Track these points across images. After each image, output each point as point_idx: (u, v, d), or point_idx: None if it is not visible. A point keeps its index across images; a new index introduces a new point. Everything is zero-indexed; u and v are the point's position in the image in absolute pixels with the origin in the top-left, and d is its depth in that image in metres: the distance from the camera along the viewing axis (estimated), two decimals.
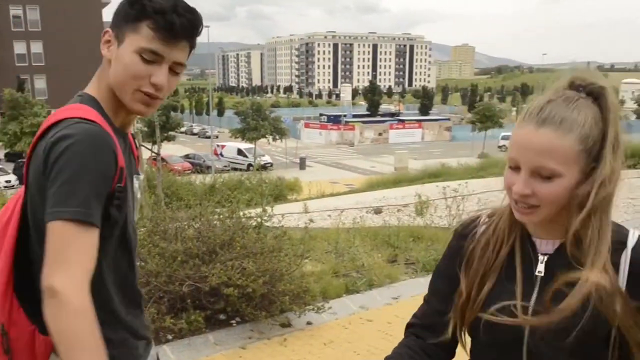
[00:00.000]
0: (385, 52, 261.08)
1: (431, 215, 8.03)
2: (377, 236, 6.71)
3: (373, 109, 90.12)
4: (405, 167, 41.27)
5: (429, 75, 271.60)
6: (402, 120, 76.61)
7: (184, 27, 1.37)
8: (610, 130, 1.15)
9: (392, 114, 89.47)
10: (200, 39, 1.49)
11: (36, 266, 1.28)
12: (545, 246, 1.25)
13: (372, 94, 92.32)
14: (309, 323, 4.71)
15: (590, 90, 1.18)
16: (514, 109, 71.15)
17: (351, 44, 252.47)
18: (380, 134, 69.70)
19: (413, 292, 5.42)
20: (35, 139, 1.35)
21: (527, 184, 1.14)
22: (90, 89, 1.46)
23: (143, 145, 12.54)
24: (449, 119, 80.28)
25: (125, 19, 1.38)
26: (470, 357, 1.36)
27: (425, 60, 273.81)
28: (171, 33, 1.36)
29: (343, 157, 54.32)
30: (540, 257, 1.24)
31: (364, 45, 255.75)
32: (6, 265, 1.32)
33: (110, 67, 1.41)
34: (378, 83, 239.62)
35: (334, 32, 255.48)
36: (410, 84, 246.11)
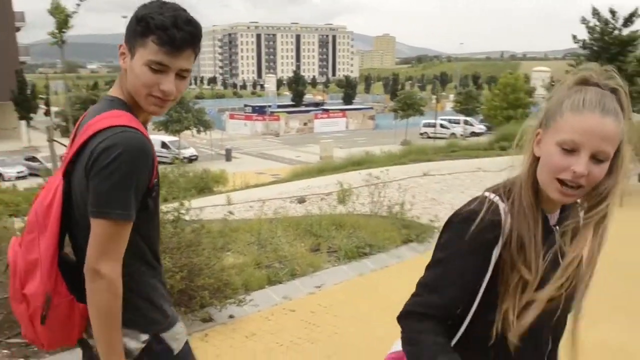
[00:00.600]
0: (309, 43, 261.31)
1: (353, 202, 8.11)
2: (300, 226, 6.69)
3: (297, 99, 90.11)
4: (330, 155, 41.49)
5: (352, 65, 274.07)
6: (327, 110, 77.12)
7: (184, 39, 1.57)
8: (626, 125, 1.31)
9: (317, 104, 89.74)
10: (118, 30, 1.45)
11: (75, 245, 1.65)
12: (552, 219, 1.43)
13: (297, 84, 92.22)
14: (231, 316, 4.63)
15: (612, 89, 1.32)
16: (434, 97, 72.98)
17: (274, 35, 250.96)
18: (305, 124, 69.82)
19: (336, 279, 5.44)
20: (83, 140, 1.56)
21: (587, 166, 1.26)
22: (116, 92, 1.68)
23: (56, 141, 11.92)
24: (372, 108, 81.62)
25: (134, 35, 1.59)
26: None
27: (348, 50, 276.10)
28: (173, 46, 1.56)
29: (269, 147, 54.07)
30: (554, 229, 1.42)
31: (287, 35, 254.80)
32: (53, 242, 1.57)
33: (124, 74, 1.66)
34: (302, 73, 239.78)
35: (257, 22, 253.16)
36: (334, 74, 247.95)
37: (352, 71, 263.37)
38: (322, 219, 6.88)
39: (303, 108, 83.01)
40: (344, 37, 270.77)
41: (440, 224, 6.63)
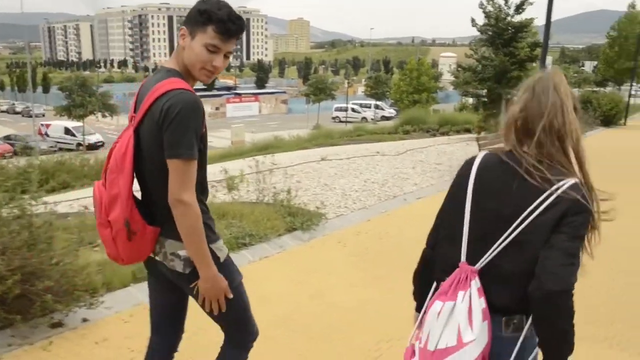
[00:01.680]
0: None
1: (246, 191, 7.79)
2: None
3: (210, 82, 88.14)
4: (242, 140, 40.84)
5: (266, 49, 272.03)
6: (239, 94, 76.08)
7: (235, 30, 2.18)
8: None
9: (229, 88, 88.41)
10: (16, 9, 1.09)
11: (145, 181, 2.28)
12: None
13: None
14: (85, 320, 4.20)
15: None
16: (347, 81, 73.57)
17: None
18: (217, 108, 68.56)
19: None
20: (152, 101, 2.10)
21: None
22: (172, 64, 2.23)
23: None
24: (285, 92, 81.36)
25: (196, 23, 2.15)
26: None
27: (262, 34, 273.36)
28: (227, 35, 2.16)
29: None
30: None
31: None
32: (128, 180, 2.13)
33: (184, 52, 2.19)
34: None
35: (168, 3, 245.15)
36: (248, 58, 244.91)
37: (266, 55, 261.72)
38: None
39: (215, 92, 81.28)
40: (258, 21, 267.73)
41: (327, 210, 6.34)
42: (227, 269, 2.33)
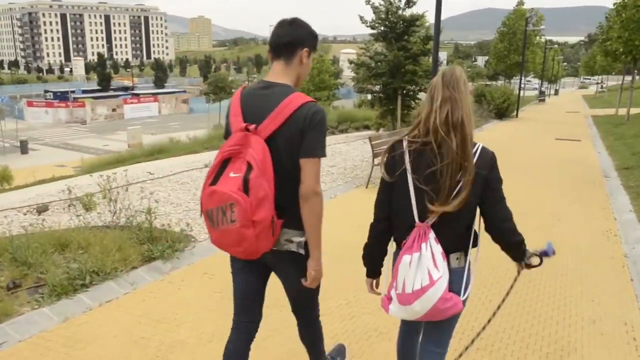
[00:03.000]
0: (120, 24, 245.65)
1: (89, 212, 6.65)
2: (5, 250, 5.08)
3: (105, 83, 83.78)
4: (139, 143, 38.77)
5: (167, 48, 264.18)
6: (137, 94, 72.79)
7: None
8: None
9: (126, 88, 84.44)
10: None
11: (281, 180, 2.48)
12: None
13: (102, 67, 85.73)
14: None
15: None
16: (248, 79, 72.23)
17: (81, 15, 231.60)
18: (114, 110, 65.30)
19: (29, 331, 4.01)
20: (292, 111, 2.45)
21: None
22: (286, 80, 2.60)
23: None
24: (185, 91, 78.72)
25: (313, 45, 2.68)
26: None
27: (162, 32, 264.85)
28: None
29: (74, 136, 49.45)
30: None
31: (95, 16, 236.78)
32: (272, 183, 2.42)
33: (301, 68, 2.65)
34: (115, 56, 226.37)
35: (60, 1, 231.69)
36: (148, 57, 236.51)
37: (167, 54, 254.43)
38: (37, 237, 5.31)
39: (111, 93, 77.42)
40: (157, 19, 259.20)
41: (198, 230, 5.32)
42: None
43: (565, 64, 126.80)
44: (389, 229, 2.62)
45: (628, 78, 41.14)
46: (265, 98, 2.51)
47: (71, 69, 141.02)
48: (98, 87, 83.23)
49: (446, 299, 2.38)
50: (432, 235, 2.38)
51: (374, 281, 2.78)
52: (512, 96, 29.81)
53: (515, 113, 30.47)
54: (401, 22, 15.76)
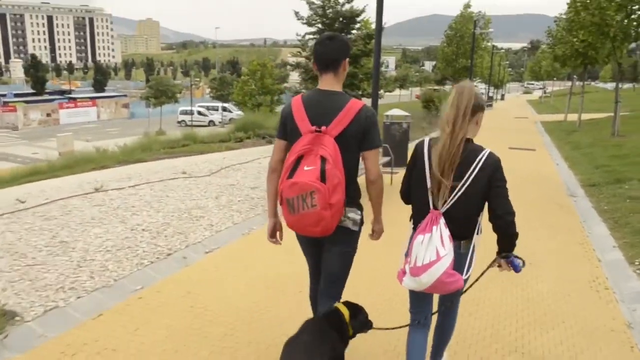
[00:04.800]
0: (63, 25, 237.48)
1: None
2: None
3: (39, 86, 79.21)
4: (71, 150, 35.87)
5: (113, 50, 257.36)
6: (74, 99, 69.03)
7: None
8: None
9: (63, 92, 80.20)
10: None
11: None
12: None
13: (36, 70, 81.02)
14: None
15: None
16: (191, 83, 69.43)
17: (22, 15, 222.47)
18: (48, 115, 61.52)
19: None
20: (355, 114, 3.00)
21: None
22: (338, 87, 3.13)
23: None
24: (125, 95, 75.13)
25: (349, 53, 3.24)
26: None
27: (108, 34, 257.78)
28: None
29: (2, 144, 45.97)
30: None
31: (37, 16, 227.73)
32: (342, 172, 2.93)
33: (344, 75, 3.19)
34: (59, 58, 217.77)
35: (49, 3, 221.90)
36: (94, 59, 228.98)
37: (113, 56, 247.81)
38: None
39: (46, 97, 73.13)
40: (103, 20, 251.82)
41: (32, 302, 3.36)
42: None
43: (510, 69, 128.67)
44: None
45: (578, 83, 40.86)
46: (327, 104, 3.06)
47: (9, 71, 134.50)
48: (32, 91, 78.61)
49: (450, 274, 2.80)
50: (442, 220, 2.85)
51: None
52: None
53: None
54: (340, 18, 14.08)
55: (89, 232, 6.13)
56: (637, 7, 18.34)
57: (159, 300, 4.68)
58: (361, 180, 3.16)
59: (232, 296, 4.82)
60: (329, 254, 3.26)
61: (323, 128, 2.97)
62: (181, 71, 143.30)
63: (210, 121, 53.68)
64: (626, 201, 8.72)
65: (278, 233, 3.46)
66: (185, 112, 55.67)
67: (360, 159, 3.13)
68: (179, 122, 54.52)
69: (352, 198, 3.11)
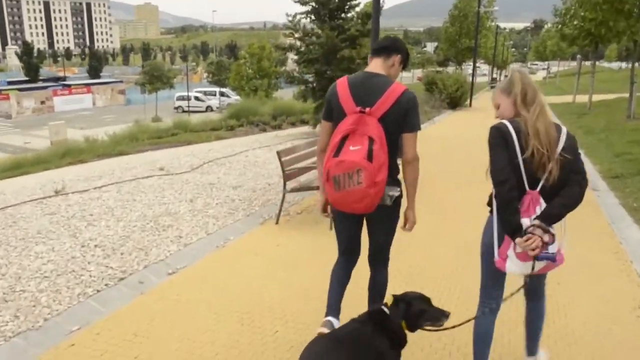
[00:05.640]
0: (60, 11, 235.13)
1: None
2: None
3: (32, 73, 77.62)
4: (64, 139, 34.91)
5: (111, 36, 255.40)
6: (69, 85, 67.69)
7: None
8: None
9: (58, 79, 78.71)
10: None
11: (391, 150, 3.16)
12: None
13: (29, 56, 79.39)
14: None
15: None
16: (188, 67, 68.04)
17: (18, 1, 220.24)
18: (43, 102, 60.19)
19: None
20: (397, 97, 3.12)
21: None
22: (384, 72, 3.27)
23: None
24: (121, 82, 73.66)
25: (406, 60, 3.41)
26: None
27: (106, 19, 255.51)
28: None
29: None
30: None
31: (33, 2, 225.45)
32: (386, 152, 3.06)
33: (392, 69, 3.33)
34: (56, 44, 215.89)
35: None
36: (91, 45, 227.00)
37: (112, 42, 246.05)
38: None
39: (40, 84, 71.66)
40: (100, 6, 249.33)
41: None
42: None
43: (513, 49, 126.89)
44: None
45: (584, 63, 39.62)
46: (372, 86, 3.18)
47: (5, 57, 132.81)
48: (25, 79, 77.12)
49: (559, 250, 2.78)
50: (541, 199, 2.75)
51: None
52: (465, 84, 27.53)
53: (468, 102, 28.24)
54: None
55: (30, 250, 5.14)
56: None
57: (94, 348, 3.67)
58: None
59: (193, 339, 3.82)
60: (375, 228, 3.47)
61: (367, 109, 3.09)
62: (180, 56, 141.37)
63: (208, 107, 52.47)
64: None
65: (329, 207, 3.56)
66: (181, 98, 54.46)
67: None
68: (175, 108, 53.42)
69: (393, 177, 3.25)
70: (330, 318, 3.48)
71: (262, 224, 6.52)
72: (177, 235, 5.82)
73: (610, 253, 5.68)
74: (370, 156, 2.98)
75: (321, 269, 5.02)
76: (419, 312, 2.89)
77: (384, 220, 3.37)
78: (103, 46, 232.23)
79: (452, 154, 12.02)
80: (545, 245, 2.67)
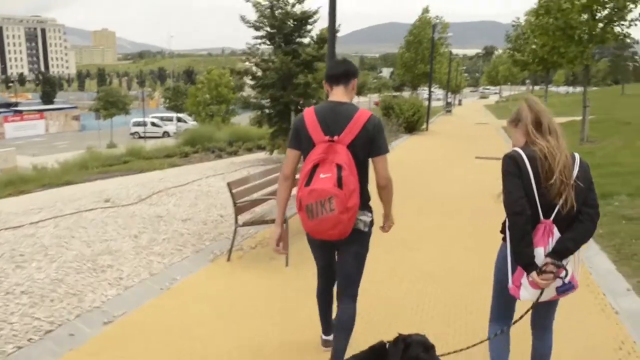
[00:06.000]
0: (14, 36, 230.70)
1: None
2: None
3: None
4: (13, 167, 33.56)
5: (67, 61, 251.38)
6: (20, 111, 65.73)
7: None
8: None
9: (9, 105, 76.45)
10: None
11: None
12: None
13: None
14: None
15: None
16: (144, 93, 66.95)
17: None
18: None
19: None
20: (364, 123, 3.21)
21: None
22: (347, 99, 3.39)
23: None
24: (75, 107, 72.07)
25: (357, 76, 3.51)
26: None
27: (61, 45, 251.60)
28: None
29: None
30: None
31: None
32: (356, 179, 3.15)
33: (352, 93, 3.43)
34: (10, 70, 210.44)
35: None
36: (47, 71, 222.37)
37: (67, 67, 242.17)
38: None
39: None
40: (55, 31, 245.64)
41: None
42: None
43: (466, 74, 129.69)
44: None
45: (532, 87, 40.48)
46: (339, 114, 3.26)
47: None
48: None
49: (572, 276, 2.78)
50: (555, 229, 2.74)
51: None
52: (422, 108, 27.67)
53: (425, 126, 28.35)
54: (291, 20, 12.68)
55: None
56: (601, 8, 17.58)
57: None
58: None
59: None
60: (345, 256, 3.47)
61: (336, 137, 3.19)
62: (136, 81, 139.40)
63: (165, 132, 51.58)
64: (622, 222, 7.55)
65: (282, 243, 3.58)
66: (138, 124, 53.50)
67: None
68: (132, 134, 52.40)
69: (364, 202, 3.31)
70: (329, 337, 3.85)
71: (212, 261, 6.04)
72: (117, 277, 5.29)
73: (582, 286, 5.41)
74: (340, 183, 3.08)
75: (277, 318, 4.60)
76: (415, 357, 2.87)
77: (356, 246, 3.40)
78: (58, 72, 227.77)
79: (412, 180, 11.76)
80: (559, 278, 2.72)
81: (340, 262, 3.51)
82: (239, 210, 6.08)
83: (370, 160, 3.32)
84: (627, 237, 6.84)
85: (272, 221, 5.96)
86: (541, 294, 2.78)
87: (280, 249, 3.54)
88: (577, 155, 2.81)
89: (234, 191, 6.00)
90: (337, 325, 3.52)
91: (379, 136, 3.25)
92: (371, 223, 3.39)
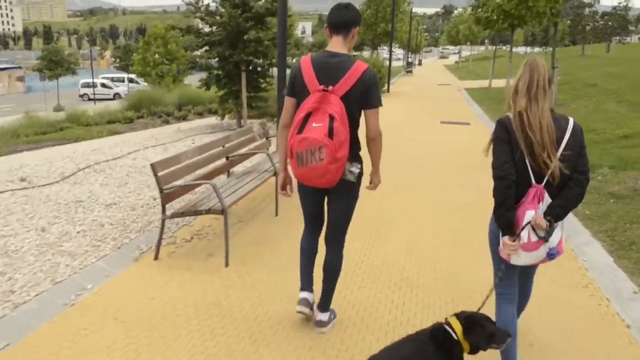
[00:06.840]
0: None
1: None
2: None
3: None
4: None
5: (12, 18, 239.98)
6: None
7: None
8: None
9: None
10: None
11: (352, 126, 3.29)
12: None
13: None
14: None
15: None
16: (92, 52, 63.62)
17: None
18: None
19: None
20: (359, 75, 3.20)
21: None
22: (345, 51, 3.35)
23: None
24: (20, 67, 68.18)
25: (360, 23, 3.43)
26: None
27: (7, 0, 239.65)
28: None
29: None
30: None
31: None
32: (347, 129, 3.17)
33: (352, 41, 3.39)
34: None
35: None
36: None
37: (13, 24, 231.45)
38: None
39: None
40: None
41: None
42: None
43: (426, 34, 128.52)
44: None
45: (491, 47, 39.78)
46: (335, 65, 3.25)
47: None
48: None
49: (561, 240, 2.80)
50: (546, 194, 2.73)
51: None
52: (382, 68, 26.59)
53: (386, 87, 27.31)
54: None
55: None
56: None
57: None
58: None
59: None
60: (334, 204, 3.56)
61: (330, 87, 3.20)
62: (87, 40, 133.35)
63: (116, 94, 49.27)
64: (610, 201, 6.74)
65: (288, 186, 3.65)
66: (87, 85, 50.89)
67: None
68: (80, 96, 49.89)
69: (354, 153, 3.36)
70: (305, 295, 3.72)
71: (136, 261, 4.92)
72: (8, 290, 4.13)
73: (580, 288, 4.53)
74: (330, 133, 3.11)
75: (218, 331, 3.54)
76: (489, 334, 2.81)
77: (344, 195, 3.48)
78: (3, 29, 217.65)
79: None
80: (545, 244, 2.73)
81: (329, 209, 3.60)
82: (166, 198, 4.94)
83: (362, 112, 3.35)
84: (620, 220, 6.03)
85: (208, 212, 4.89)
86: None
87: (287, 192, 3.64)
88: (571, 120, 2.77)
89: (159, 174, 4.82)
90: (325, 270, 3.67)
91: (373, 89, 3.28)
92: (360, 174, 3.43)
